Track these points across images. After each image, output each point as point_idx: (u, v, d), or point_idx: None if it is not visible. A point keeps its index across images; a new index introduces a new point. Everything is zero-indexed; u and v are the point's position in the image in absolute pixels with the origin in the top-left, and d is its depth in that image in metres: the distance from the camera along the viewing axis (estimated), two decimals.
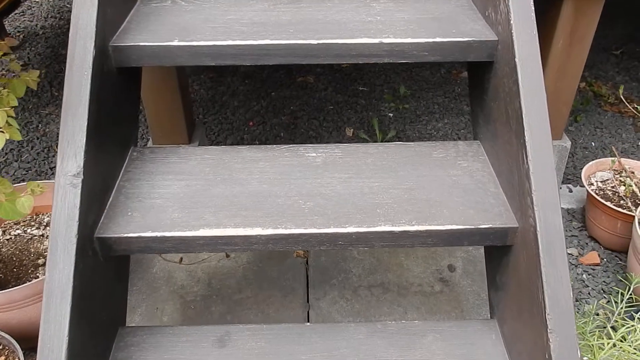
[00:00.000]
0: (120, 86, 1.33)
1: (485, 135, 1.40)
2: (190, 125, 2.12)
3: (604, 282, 2.00)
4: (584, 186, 2.21)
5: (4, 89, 1.52)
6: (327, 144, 1.43)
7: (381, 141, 2.68)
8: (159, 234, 1.16)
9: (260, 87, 3.21)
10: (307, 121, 2.91)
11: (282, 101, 3.08)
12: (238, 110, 2.99)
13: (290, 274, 1.90)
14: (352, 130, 2.84)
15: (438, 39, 1.28)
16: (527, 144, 1.10)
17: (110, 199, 1.25)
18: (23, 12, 4.09)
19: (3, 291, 1.57)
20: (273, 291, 1.84)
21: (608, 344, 1.47)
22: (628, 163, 2.27)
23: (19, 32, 3.79)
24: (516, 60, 1.16)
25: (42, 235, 1.84)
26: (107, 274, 1.21)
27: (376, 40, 1.27)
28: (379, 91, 3.18)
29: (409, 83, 3.20)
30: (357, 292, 1.84)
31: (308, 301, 1.82)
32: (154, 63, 1.29)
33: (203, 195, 1.27)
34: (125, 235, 1.15)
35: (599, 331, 1.58)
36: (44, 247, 1.81)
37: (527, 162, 1.10)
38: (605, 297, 1.94)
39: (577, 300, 1.94)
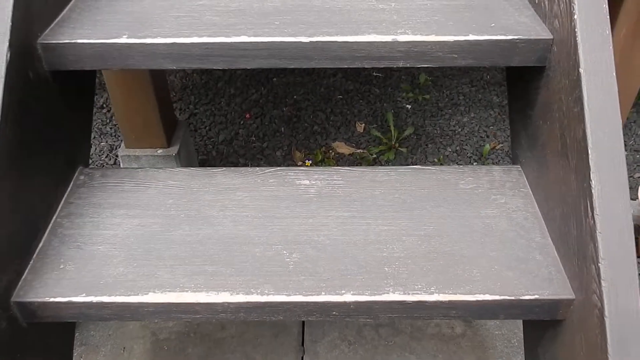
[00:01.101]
0: (58, 95, 1.07)
1: (528, 162, 1.12)
2: (170, 125, 1.86)
3: None
4: (636, 198, 1.92)
5: None
6: (324, 169, 1.16)
7: (397, 139, 2.41)
8: (95, 299, 0.91)
9: (261, 71, 2.93)
10: (312, 113, 2.64)
11: (284, 89, 2.80)
12: (234, 99, 2.73)
13: None
14: (363, 125, 2.56)
15: (472, 37, 0.99)
16: (593, 191, 0.83)
17: (41, 244, 1.00)
18: None
19: None
20: (262, 329, 1.60)
21: None
22: None
23: None
24: (581, 70, 0.87)
25: None
26: (34, 343, 0.97)
27: (389, 38, 0.99)
28: (396, 78, 2.88)
29: (430, 69, 2.90)
30: (362, 333, 1.59)
31: (303, 344, 1.58)
32: (97, 66, 1.03)
33: (160, 241, 1.02)
34: (52, 299, 0.91)
35: None
36: None
37: (592, 216, 0.82)
38: None
39: None
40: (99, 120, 2.61)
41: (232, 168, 1.18)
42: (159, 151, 1.80)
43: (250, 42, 0.99)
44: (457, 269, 0.94)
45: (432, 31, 1.00)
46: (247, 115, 2.62)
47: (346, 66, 1.01)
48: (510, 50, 1.00)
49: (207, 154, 2.41)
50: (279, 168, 1.17)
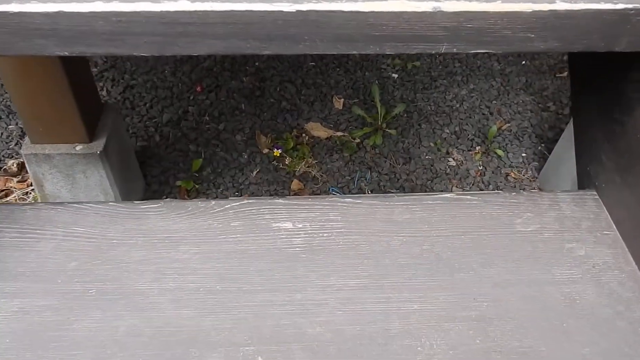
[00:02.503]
0: None
1: (613, 188, 0.80)
2: (92, 112, 1.45)
3: None
4: None
5: None
6: (314, 200, 0.81)
7: (383, 118, 2.06)
8: None
9: None
10: (279, 85, 2.25)
11: (243, 54, 2.39)
12: (181, 67, 2.31)
13: None
14: (342, 100, 2.20)
15: (561, 5, 0.64)
16: None
17: None
18: None
19: None
20: None
21: None
22: None
23: None
24: None
25: None
26: None
27: (427, 7, 0.63)
28: None
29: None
30: None
31: None
32: None
33: (52, 342, 0.65)
34: None
35: None
36: None
37: None
38: None
39: None
40: (7, 95, 2.15)
41: (175, 202, 0.82)
42: (77, 147, 1.40)
43: (195, 12, 0.61)
44: None
45: None
46: (199, 88, 2.21)
47: (356, 52, 0.65)
48: (618, 27, 0.65)
49: (148, 139, 2.01)
50: (246, 201, 0.82)
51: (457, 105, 2.23)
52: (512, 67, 2.41)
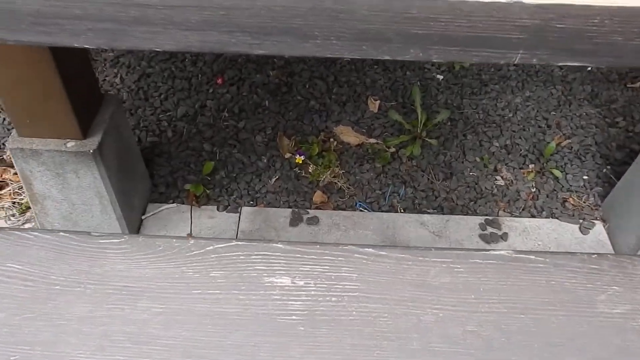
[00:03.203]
0: None
1: None
2: (88, 103, 1.30)
3: None
4: None
5: None
6: (323, 249, 0.63)
7: (423, 126, 1.86)
8: None
9: None
10: (309, 81, 2.07)
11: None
12: (204, 55, 2.15)
13: None
14: (378, 102, 2.00)
15: None
16: None
17: None
18: None
19: None
20: None
21: None
22: None
23: None
24: None
25: None
26: None
27: None
28: None
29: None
30: None
31: None
32: None
33: None
34: None
35: None
36: None
37: None
38: None
39: None
40: None
41: (143, 238, 0.64)
42: (68, 144, 1.25)
43: None
44: None
45: None
46: (219, 80, 2.05)
47: (389, 57, 0.46)
48: None
49: (160, 135, 1.86)
50: (234, 243, 0.64)
51: (510, 115, 2.00)
52: (576, 73, 2.17)
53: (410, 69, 2.16)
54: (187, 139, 1.86)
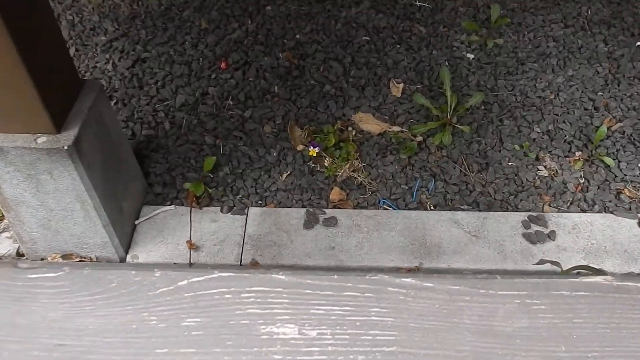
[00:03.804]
0: None
1: None
2: (59, 93, 1.13)
3: None
4: None
5: None
6: (341, 278, 0.46)
7: (454, 111, 1.66)
8: None
9: None
10: (323, 64, 1.88)
11: (281, 23, 2.04)
12: (206, 37, 1.97)
13: None
14: (401, 85, 1.81)
15: None
16: None
17: None
18: None
19: None
20: None
21: None
22: None
23: None
24: None
25: None
26: None
27: None
28: (451, 11, 2.10)
29: None
30: None
31: None
32: None
33: None
34: None
35: None
36: None
37: None
38: None
39: None
40: None
41: (89, 270, 0.47)
42: (39, 140, 1.08)
43: None
44: None
45: None
46: (223, 65, 1.87)
47: None
48: None
49: (156, 127, 1.69)
50: (217, 274, 0.46)
51: (552, 97, 1.79)
52: (623, 49, 1.95)
53: (437, 47, 1.96)
54: (187, 132, 1.68)
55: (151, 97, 1.78)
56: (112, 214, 1.29)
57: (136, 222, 1.44)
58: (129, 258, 1.38)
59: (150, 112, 1.73)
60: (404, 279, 0.46)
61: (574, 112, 1.75)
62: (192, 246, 1.38)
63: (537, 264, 1.34)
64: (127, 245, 1.39)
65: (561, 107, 1.77)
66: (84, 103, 1.18)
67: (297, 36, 1.99)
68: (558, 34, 2.01)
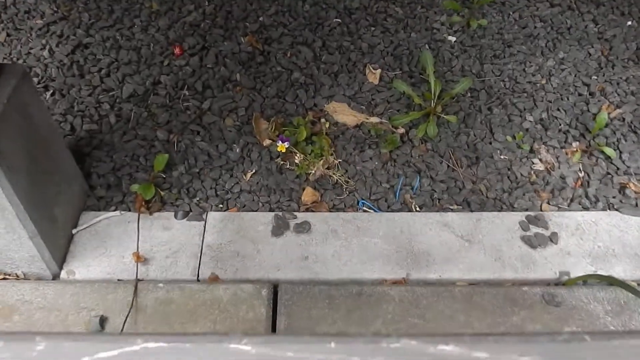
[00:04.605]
0: None
1: None
2: None
3: None
4: None
5: None
6: (320, 340, 0.26)
7: (437, 98, 1.50)
8: None
9: None
10: (291, 48, 1.70)
11: (242, 4, 1.84)
12: (157, 19, 1.76)
13: None
14: (378, 71, 1.64)
15: None
16: None
17: None
18: None
19: None
20: None
21: None
22: None
23: None
24: None
25: None
26: None
27: None
28: None
29: None
30: None
31: None
32: None
33: None
34: None
35: None
36: None
37: None
38: None
39: None
40: None
41: None
42: None
43: None
44: None
45: None
46: (177, 50, 1.67)
47: None
48: None
49: (100, 121, 1.48)
50: (132, 346, 0.27)
51: (543, 82, 1.65)
52: (615, 29, 1.82)
53: (416, 29, 1.79)
54: (136, 126, 1.48)
55: (94, 87, 1.56)
56: (41, 223, 1.08)
57: (73, 231, 1.23)
58: (63, 274, 1.17)
59: (92, 103, 1.52)
60: (441, 347, 0.28)
61: (568, 99, 1.61)
62: (140, 259, 1.18)
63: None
64: (61, 258, 1.18)
65: (554, 92, 1.62)
66: (2, 92, 0.97)
67: (261, 19, 1.80)
68: (545, 14, 1.87)
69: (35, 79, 1.57)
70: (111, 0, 1.84)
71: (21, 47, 1.67)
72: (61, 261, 1.18)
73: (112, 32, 1.73)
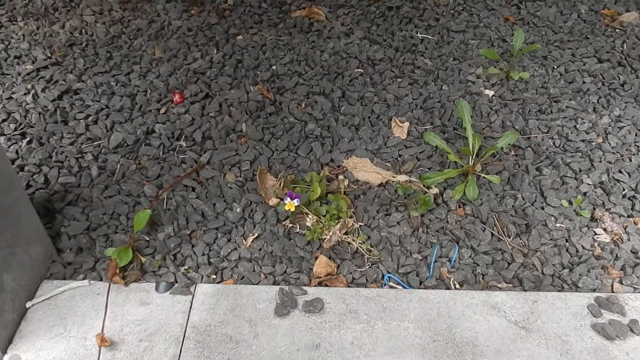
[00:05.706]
0: None
1: None
2: None
3: None
4: None
5: None
6: None
7: (476, 156, 1.27)
8: None
9: (217, 23, 1.81)
10: (306, 98, 1.51)
11: (254, 53, 1.68)
12: (159, 66, 1.60)
13: None
14: (405, 124, 1.43)
15: None
16: None
17: None
18: None
19: None
20: None
21: None
22: None
23: None
24: None
25: None
26: None
27: None
28: (460, 43, 1.76)
29: (532, 29, 1.76)
30: None
31: None
32: None
33: None
34: None
35: None
36: None
37: None
38: None
39: None
40: None
41: None
42: None
43: None
44: None
45: None
46: (177, 97, 1.49)
47: None
48: None
49: (79, 173, 1.27)
50: None
51: (599, 141, 1.43)
52: None
53: (448, 81, 1.60)
54: (121, 179, 1.27)
55: (78, 135, 1.37)
56: None
57: (28, 304, 1.00)
58: None
59: (73, 153, 1.33)
60: None
61: (630, 160, 1.38)
62: (105, 342, 0.93)
63: None
64: (6, 339, 0.94)
65: (613, 152, 1.40)
66: None
67: (274, 67, 1.63)
68: (594, 69, 1.67)
69: (12, 125, 1.38)
70: (111, 47, 1.69)
71: (3, 91, 1.50)
72: (6, 343, 0.94)
73: (107, 77, 1.56)
